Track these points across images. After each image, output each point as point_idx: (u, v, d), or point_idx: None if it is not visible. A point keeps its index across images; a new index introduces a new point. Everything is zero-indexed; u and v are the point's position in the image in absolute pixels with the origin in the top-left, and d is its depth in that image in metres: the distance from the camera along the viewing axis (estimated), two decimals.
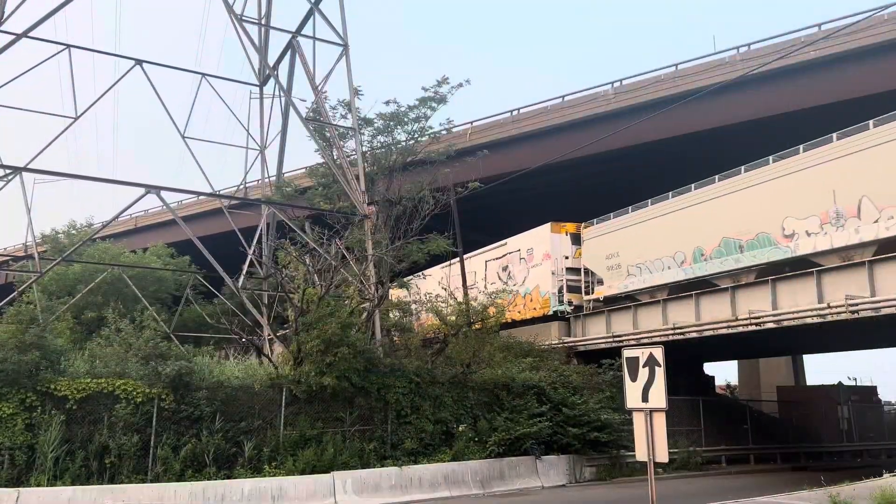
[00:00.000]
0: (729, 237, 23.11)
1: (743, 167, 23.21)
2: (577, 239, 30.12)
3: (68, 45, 24.53)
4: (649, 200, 26.86)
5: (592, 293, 29.19)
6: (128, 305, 27.35)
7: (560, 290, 29.25)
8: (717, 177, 24.13)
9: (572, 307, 29.16)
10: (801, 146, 21.18)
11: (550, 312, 29.24)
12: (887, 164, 18.19)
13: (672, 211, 25.50)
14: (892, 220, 18.08)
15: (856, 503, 10.93)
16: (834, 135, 20.31)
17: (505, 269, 31.31)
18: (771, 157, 22.06)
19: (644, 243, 25.79)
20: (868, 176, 18.85)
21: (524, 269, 31.17)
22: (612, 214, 28.86)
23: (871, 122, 19.45)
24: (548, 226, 30.26)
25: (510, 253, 32.13)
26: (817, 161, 20.35)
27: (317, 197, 28.73)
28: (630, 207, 27.82)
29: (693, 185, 25.03)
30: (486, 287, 27.24)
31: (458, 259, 30.36)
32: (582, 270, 29.71)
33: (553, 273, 29.37)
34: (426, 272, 33.57)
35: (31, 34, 22.29)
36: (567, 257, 29.66)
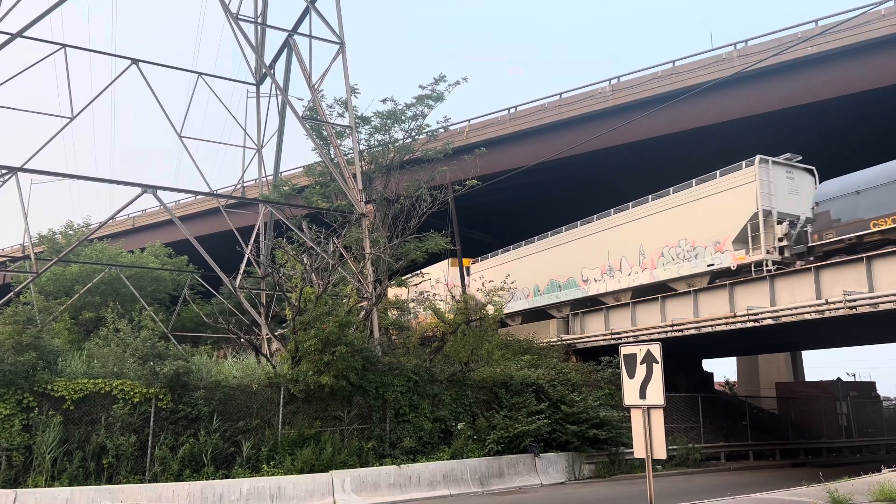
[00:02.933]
0: (553, 279, 31.04)
1: (564, 227, 31.14)
2: (469, 271, 35.12)
3: (64, 45, 24.48)
4: (522, 242, 33.63)
5: None
6: (126, 305, 27.33)
7: None
8: (549, 233, 31.95)
9: None
10: (593, 216, 29.45)
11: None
12: (630, 237, 27.08)
13: (521, 257, 33.09)
14: (636, 275, 26.88)
15: (854, 499, 10.92)
16: (612, 210, 28.58)
17: (421, 293, 32.70)
18: (579, 222, 30.30)
19: (509, 277, 27.77)
20: (624, 243, 27.45)
21: (434, 294, 32.90)
22: (500, 251, 34.98)
23: (630, 203, 27.57)
24: (447, 261, 34.89)
25: (426, 280, 34.67)
26: (599, 229, 28.98)
27: (314, 196, 28.71)
28: (512, 246, 34.28)
29: (536, 238, 32.76)
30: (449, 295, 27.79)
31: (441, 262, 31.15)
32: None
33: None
34: (425, 270, 33.92)
35: (26, 34, 22.22)
36: (435, 295, 31.67)
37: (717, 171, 24.07)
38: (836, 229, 20.55)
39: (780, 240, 21.94)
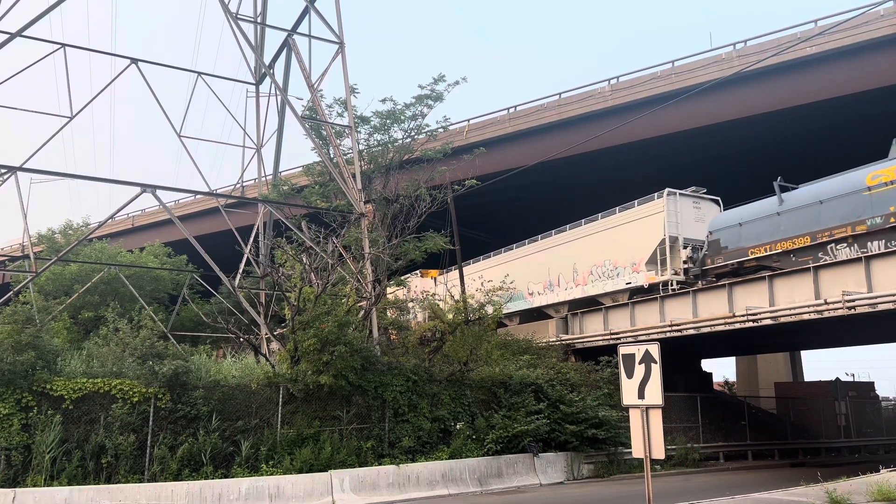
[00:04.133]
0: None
1: (515, 244, 34.29)
2: (435, 282, 36.51)
3: (63, 45, 24.44)
4: (480, 257, 36.10)
5: None
6: (125, 305, 27.33)
7: None
8: (503, 249, 35.09)
9: None
10: (537, 236, 32.94)
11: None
12: (566, 256, 30.01)
13: (485, 268, 34.47)
14: (571, 290, 29.94)
15: (852, 499, 10.93)
16: (553, 231, 32.02)
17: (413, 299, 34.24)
18: (527, 240, 33.36)
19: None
20: (561, 261, 30.60)
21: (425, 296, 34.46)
22: (471, 260, 36.67)
23: (567, 225, 31.12)
24: (418, 272, 36.51)
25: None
26: (543, 248, 32.21)
27: (313, 195, 28.70)
28: (472, 260, 35.97)
29: (492, 253, 35.74)
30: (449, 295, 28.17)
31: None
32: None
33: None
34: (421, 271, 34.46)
35: (25, 33, 22.20)
36: (434, 294, 32.64)
37: (636, 201, 27.02)
38: (724, 255, 23.73)
39: (685, 262, 25.11)
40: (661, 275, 25.36)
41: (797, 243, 21.29)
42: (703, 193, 26.55)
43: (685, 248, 25.19)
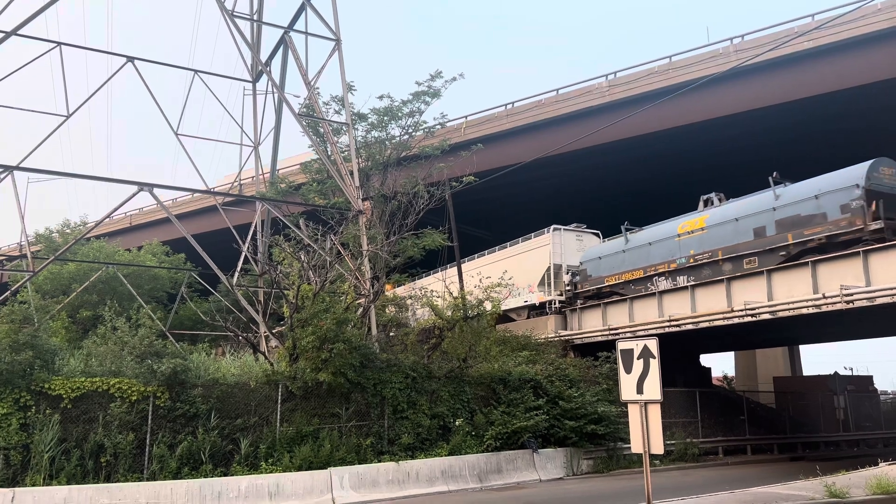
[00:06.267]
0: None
1: (484, 251, 36.03)
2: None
3: (59, 43, 24.37)
4: (430, 271, 35.29)
5: None
6: (123, 304, 27.26)
7: None
8: (447, 265, 34.28)
9: None
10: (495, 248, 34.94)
11: None
12: (491, 273, 28.68)
13: (434, 281, 33.60)
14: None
15: (851, 492, 10.95)
16: (486, 251, 35.31)
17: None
18: (466, 258, 33.97)
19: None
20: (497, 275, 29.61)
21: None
22: (467, 259, 36.27)
23: (496, 247, 34.60)
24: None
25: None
26: (475, 266, 33.40)
27: (311, 193, 28.66)
28: (424, 273, 35.05)
29: (438, 268, 35.04)
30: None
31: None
32: None
33: None
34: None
35: (21, 31, 22.13)
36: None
37: (532, 234, 32.10)
38: (590, 281, 29.09)
39: (567, 285, 29.89)
40: (549, 295, 30.09)
41: (635, 275, 26.91)
42: (585, 229, 31.91)
43: (567, 273, 30.13)
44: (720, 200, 25.35)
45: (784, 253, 21.17)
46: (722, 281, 22.63)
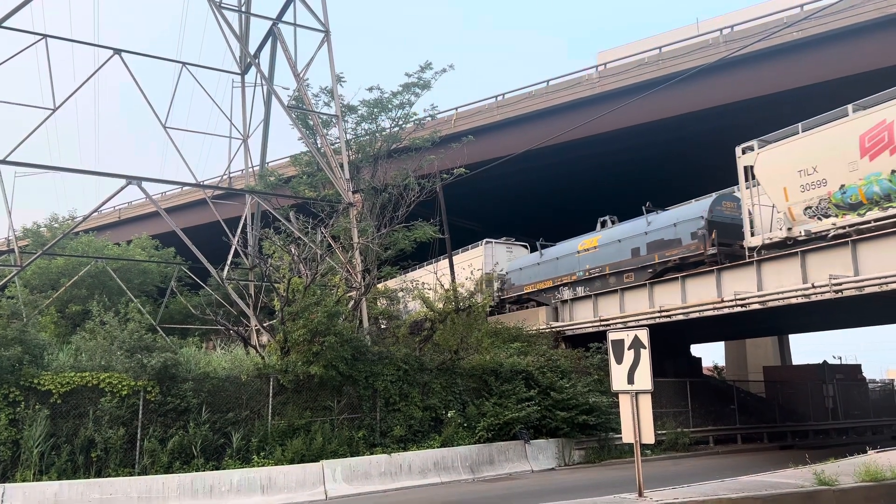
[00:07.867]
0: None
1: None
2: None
3: (45, 35, 24.11)
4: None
5: None
6: (113, 298, 27.13)
7: None
8: (469, 246, 36.52)
9: None
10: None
11: None
12: (444, 277, 28.47)
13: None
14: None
15: (840, 480, 11.01)
16: (441, 256, 32.62)
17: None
18: (425, 263, 33.79)
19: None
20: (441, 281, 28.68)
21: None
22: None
23: (470, 245, 35.76)
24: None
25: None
26: (433, 270, 30.70)
27: (301, 185, 28.55)
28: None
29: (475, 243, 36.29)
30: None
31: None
32: None
33: None
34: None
35: (6, 24, 21.87)
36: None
37: (470, 245, 35.15)
38: (513, 289, 32.92)
39: (497, 291, 32.82)
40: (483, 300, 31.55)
41: (546, 284, 30.54)
42: (514, 242, 35.19)
43: (497, 280, 32.99)
44: (612, 223, 29.41)
45: (651, 270, 25.24)
46: (712, 272, 22.71)
